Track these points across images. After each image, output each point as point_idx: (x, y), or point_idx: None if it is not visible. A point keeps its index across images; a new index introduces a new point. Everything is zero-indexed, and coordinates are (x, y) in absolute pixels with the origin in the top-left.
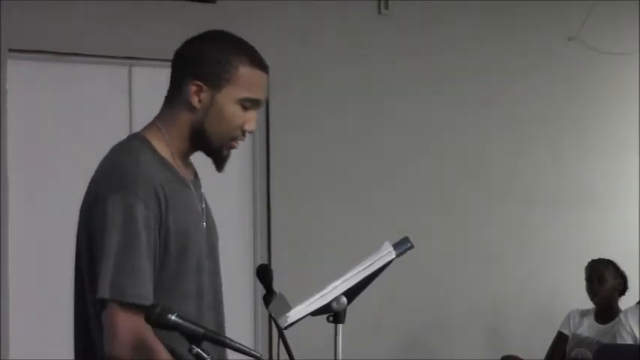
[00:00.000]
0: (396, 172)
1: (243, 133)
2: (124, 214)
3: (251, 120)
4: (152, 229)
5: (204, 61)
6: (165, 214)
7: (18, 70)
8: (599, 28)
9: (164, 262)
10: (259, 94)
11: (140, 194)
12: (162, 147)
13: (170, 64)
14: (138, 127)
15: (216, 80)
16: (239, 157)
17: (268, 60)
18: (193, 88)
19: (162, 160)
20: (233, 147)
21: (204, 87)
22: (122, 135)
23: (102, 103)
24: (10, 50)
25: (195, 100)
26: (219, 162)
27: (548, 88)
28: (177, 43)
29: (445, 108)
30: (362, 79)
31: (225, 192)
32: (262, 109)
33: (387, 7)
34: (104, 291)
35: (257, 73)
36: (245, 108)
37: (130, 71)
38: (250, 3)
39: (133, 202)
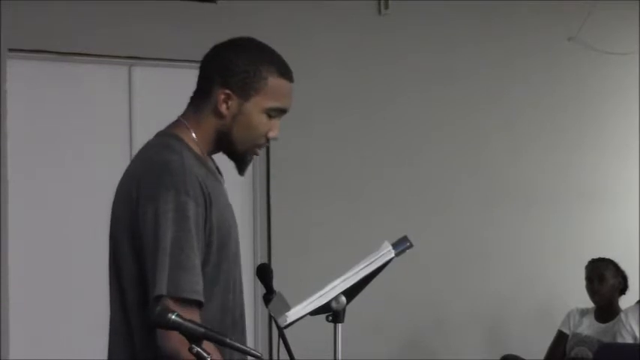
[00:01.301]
0: (396, 172)
1: (267, 140)
2: (177, 211)
3: (275, 128)
4: (200, 225)
5: (233, 69)
6: (209, 211)
7: (18, 69)
8: (599, 28)
9: (207, 258)
10: (286, 104)
11: (190, 192)
12: (194, 145)
13: (170, 63)
14: (138, 127)
15: (245, 90)
16: None
17: None
18: (222, 97)
19: (198, 157)
20: (256, 153)
21: (233, 96)
22: (122, 134)
23: (102, 103)
24: (10, 50)
25: (223, 108)
26: (242, 166)
27: (548, 88)
28: (177, 42)
29: (445, 108)
30: (362, 79)
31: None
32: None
33: (387, 7)
34: (161, 287)
35: (285, 83)
36: (271, 117)
37: (130, 71)
38: (250, 3)
39: (185, 199)
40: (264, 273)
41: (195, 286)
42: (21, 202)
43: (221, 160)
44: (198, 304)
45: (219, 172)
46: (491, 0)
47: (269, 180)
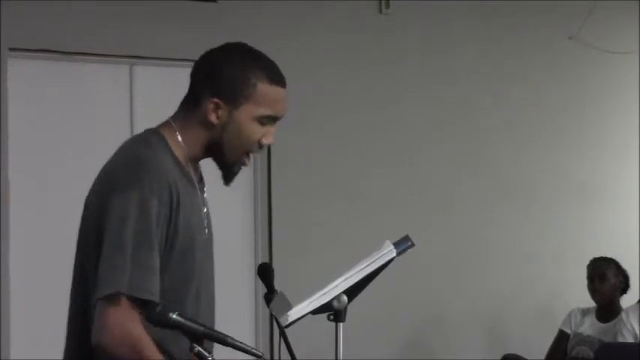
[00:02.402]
0: (396, 172)
1: (260, 146)
2: (140, 208)
3: (269, 134)
4: (162, 225)
5: (222, 77)
6: (175, 212)
7: (18, 69)
8: (600, 28)
9: (169, 260)
10: (277, 111)
11: (155, 189)
12: (176, 147)
13: (171, 63)
14: (139, 126)
15: (234, 98)
16: None
17: None
18: (211, 106)
19: (176, 159)
20: (244, 163)
21: (222, 104)
22: (123, 134)
23: (103, 102)
24: (11, 49)
25: (213, 117)
26: (230, 176)
27: (548, 88)
28: (178, 42)
29: (445, 108)
30: (362, 79)
31: (226, 192)
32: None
33: (387, 7)
34: (121, 284)
35: (275, 90)
36: (263, 124)
37: (131, 70)
38: (250, 3)
39: (148, 195)
40: (265, 272)
41: (153, 286)
42: (21, 202)
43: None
44: (148, 305)
45: (202, 180)
46: (491, 0)
47: (270, 180)
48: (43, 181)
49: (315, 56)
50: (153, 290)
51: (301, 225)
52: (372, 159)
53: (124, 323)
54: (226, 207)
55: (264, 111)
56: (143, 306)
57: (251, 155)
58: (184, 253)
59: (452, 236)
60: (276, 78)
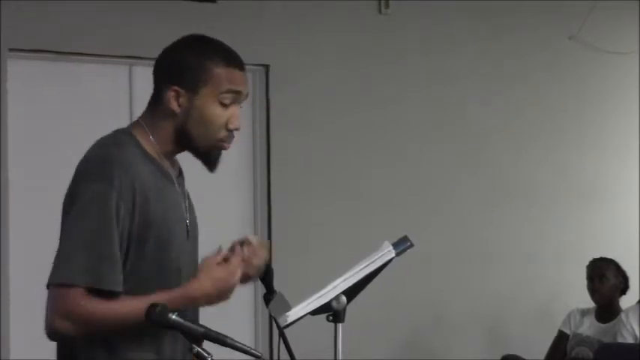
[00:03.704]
0: (396, 172)
1: (230, 131)
2: (97, 201)
3: (233, 117)
4: (121, 218)
5: (179, 66)
6: (142, 206)
7: (18, 69)
8: (600, 28)
9: (142, 254)
10: (238, 87)
11: (115, 183)
12: (147, 144)
13: None
14: None
15: (192, 84)
16: (240, 157)
17: (268, 60)
18: (172, 94)
19: (146, 154)
20: (223, 147)
21: (182, 91)
22: None
23: (102, 103)
24: (11, 50)
25: (174, 105)
26: (210, 163)
27: (548, 88)
28: None
29: (445, 108)
30: (362, 78)
31: (225, 192)
32: (262, 109)
33: (387, 7)
34: (78, 277)
35: (233, 72)
36: (225, 105)
37: (130, 71)
38: (250, 3)
39: (107, 189)
40: (264, 273)
41: (117, 276)
42: (21, 202)
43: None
44: (112, 294)
45: (181, 174)
46: (491, 0)
47: (269, 180)
48: (43, 182)
49: (314, 56)
50: (118, 280)
51: (301, 225)
52: (372, 159)
53: (78, 303)
54: (226, 207)
55: (223, 87)
56: (101, 294)
57: (227, 140)
58: (161, 243)
59: (452, 236)
60: (233, 60)
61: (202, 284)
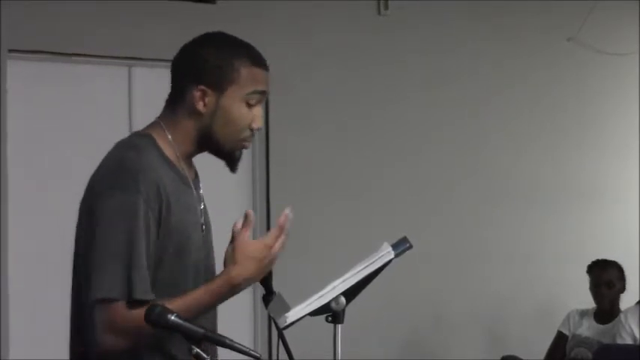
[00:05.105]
0: (396, 172)
1: (252, 131)
2: (127, 211)
3: (257, 117)
4: (150, 226)
5: (205, 65)
6: (165, 212)
7: (18, 70)
8: (599, 28)
9: (162, 261)
10: (263, 87)
11: (142, 191)
12: (166, 146)
13: (169, 64)
14: (138, 128)
15: (219, 83)
16: None
17: (268, 60)
18: (198, 94)
19: (166, 158)
20: (245, 147)
21: (208, 91)
22: (122, 135)
23: (102, 104)
24: (10, 50)
25: (200, 105)
26: (232, 163)
27: (548, 88)
28: (177, 43)
29: (445, 108)
30: (362, 79)
31: (225, 192)
32: (262, 109)
33: (386, 8)
34: (117, 290)
35: (259, 72)
36: (250, 105)
37: (129, 71)
38: (250, 3)
39: (135, 198)
40: None
41: (147, 285)
42: (21, 202)
43: (219, 163)
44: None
45: (197, 177)
46: (491, 0)
47: (269, 180)
48: (42, 182)
49: (314, 57)
50: (148, 290)
51: (300, 225)
52: (371, 159)
53: (123, 317)
54: (224, 207)
55: (250, 87)
56: (138, 305)
57: (249, 140)
58: (180, 251)
59: (451, 236)
60: (259, 60)
61: (244, 268)
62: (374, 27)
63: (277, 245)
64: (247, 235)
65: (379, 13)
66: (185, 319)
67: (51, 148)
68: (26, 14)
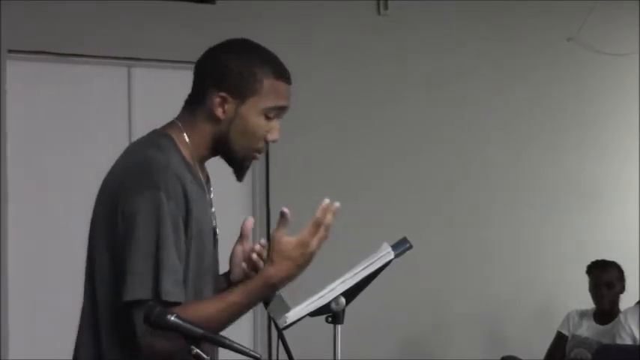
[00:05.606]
0: (396, 172)
1: (267, 142)
2: (157, 212)
3: (275, 130)
4: (179, 227)
5: (228, 72)
6: (188, 214)
7: (18, 70)
8: (599, 29)
9: (187, 262)
10: (284, 102)
11: (171, 192)
12: (184, 148)
13: (169, 64)
14: (137, 128)
15: (240, 92)
16: None
17: None
18: (218, 100)
19: (185, 161)
20: (256, 158)
21: (229, 98)
22: (122, 135)
23: (101, 104)
24: (10, 51)
25: (219, 112)
26: (241, 172)
27: (548, 88)
28: (176, 43)
29: (445, 108)
30: (362, 79)
31: (224, 192)
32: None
33: (386, 8)
34: (145, 291)
35: (281, 85)
36: (269, 118)
37: (129, 72)
38: (250, 3)
39: (164, 200)
40: None
41: (177, 287)
42: (20, 203)
43: (219, 163)
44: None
45: (209, 180)
46: (491, 0)
47: (268, 180)
48: (42, 182)
49: (314, 57)
50: (178, 291)
51: (299, 226)
52: (371, 159)
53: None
54: (224, 207)
55: (270, 103)
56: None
57: (262, 151)
58: (198, 254)
59: (451, 236)
60: (283, 73)
61: (281, 267)
62: (374, 27)
63: (315, 242)
64: (282, 233)
65: (379, 13)
66: (184, 320)
67: (51, 148)
68: (26, 14)
